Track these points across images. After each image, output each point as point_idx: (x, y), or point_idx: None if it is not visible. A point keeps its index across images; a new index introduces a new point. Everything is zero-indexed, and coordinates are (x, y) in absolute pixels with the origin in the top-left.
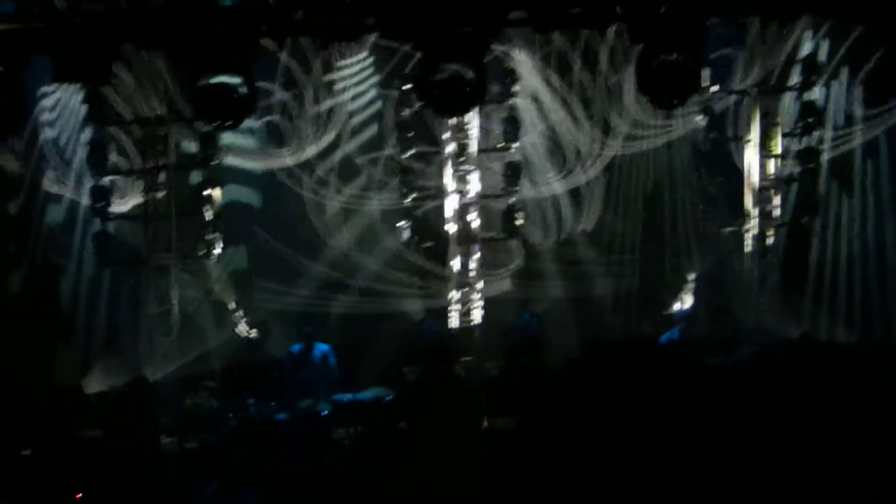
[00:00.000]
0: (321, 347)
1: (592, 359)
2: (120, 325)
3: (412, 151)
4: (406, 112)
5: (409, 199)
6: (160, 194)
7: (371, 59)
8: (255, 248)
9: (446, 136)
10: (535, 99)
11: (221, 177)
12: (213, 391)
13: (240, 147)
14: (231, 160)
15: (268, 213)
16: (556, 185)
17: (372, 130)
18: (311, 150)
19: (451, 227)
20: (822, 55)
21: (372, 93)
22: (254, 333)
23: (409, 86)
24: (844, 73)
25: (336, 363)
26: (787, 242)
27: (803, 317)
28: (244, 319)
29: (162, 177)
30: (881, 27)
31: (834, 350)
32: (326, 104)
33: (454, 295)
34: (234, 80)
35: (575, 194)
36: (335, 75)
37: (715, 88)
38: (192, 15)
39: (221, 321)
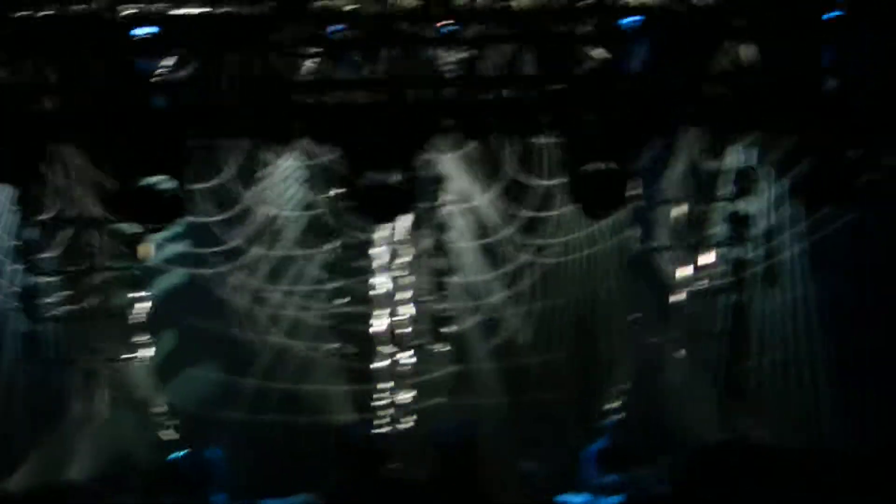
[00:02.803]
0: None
1: None
2: (43, 427)
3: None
4: (334, 217)
5: (336, 304)
6: (89, 295)
7: (297, 161)
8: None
9: (376, 241)
10: (467, 203)
11: (150, 276)
12: (136, 493)
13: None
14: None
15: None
16: (489, 291)
17: (297, 233)
18: (241, 259)
19: (381, 333)
20: (752, 163)
21: (299, 194)
22: (179, 437)
23: (337, 191)
24: (774, 183)
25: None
26: (718, 351)
27: (735, 423)
28: (170, 421)
29: (91, 278)
30: (813, 139)
31: (756, 453)
32: (257, 213)
33: (382, 401)
34: (164, 181)
35: (508, 302)
36: (263, 184)
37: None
38: (122, 116)
39: (146, 423)
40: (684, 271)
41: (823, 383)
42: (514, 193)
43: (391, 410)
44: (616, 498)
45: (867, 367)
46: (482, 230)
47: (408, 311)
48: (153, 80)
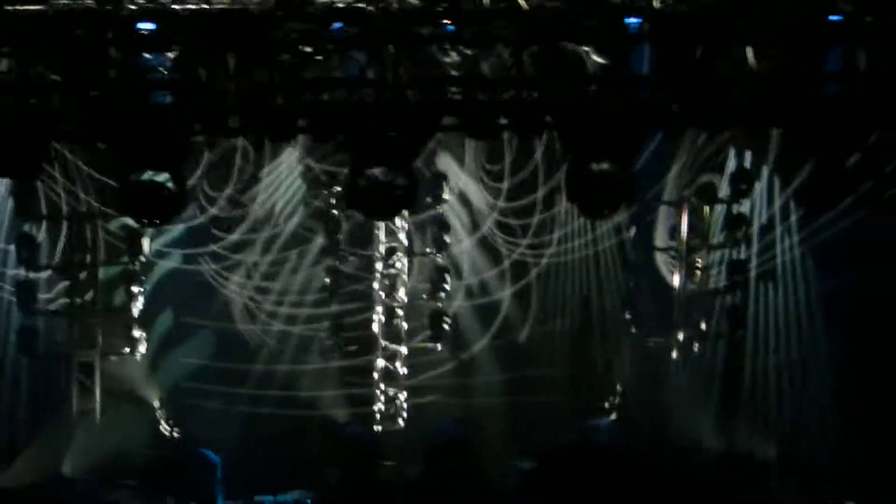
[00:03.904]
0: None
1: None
2: (39, 421)
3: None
4: (334, 213)
5: (335, 302)
6: (86, 290)
7: (298, 157)
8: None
9: (375, 239)
10: (466, 202)
11: (148, 271)
12: (134, 490)
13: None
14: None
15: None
16: (488, 291)
17: (297, 230)
18: (243, 255)
19: (378, 331)
20: (750, 166)
21: (300, 192)
22: (176, 432)
23: (338, 188)
24: (772, 186)
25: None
26: (716, 354)
27: (731, 430)
28: (167, 417)
29: (88, 273)
30: (814, 142)
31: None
32: (257, 209)
33: (378, 399)
34: (164, 177)
35: (507, 302)
36: (265, 179)
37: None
38: (124, 112)
39: (144, 418)
40: (682, 273)
41: (818, 386)
42: (513, 193)
43: (386, 409)
44: None
45: (866, 370)
46: (481, 229)
47: (405, 309)
48: (155, 76)
